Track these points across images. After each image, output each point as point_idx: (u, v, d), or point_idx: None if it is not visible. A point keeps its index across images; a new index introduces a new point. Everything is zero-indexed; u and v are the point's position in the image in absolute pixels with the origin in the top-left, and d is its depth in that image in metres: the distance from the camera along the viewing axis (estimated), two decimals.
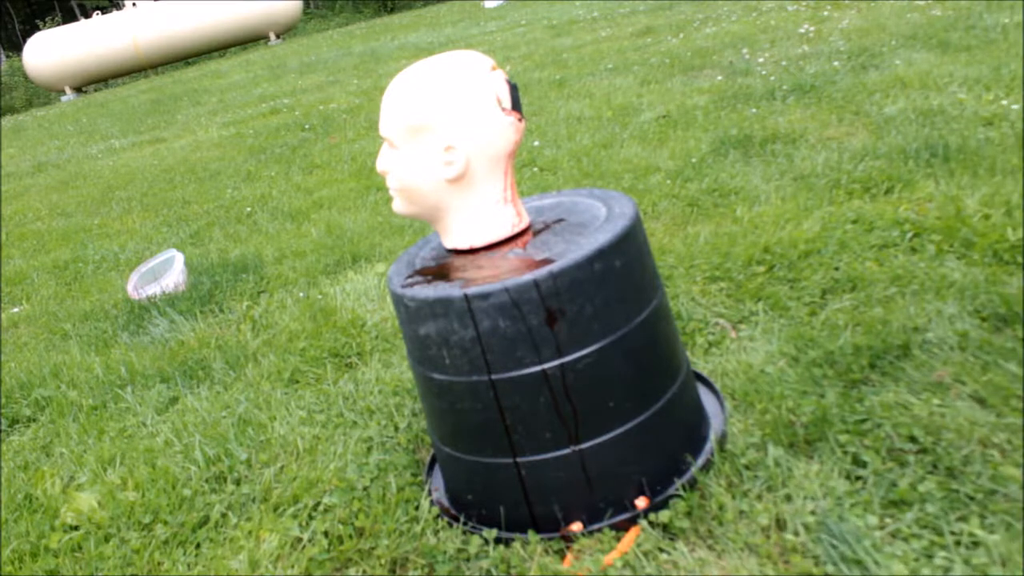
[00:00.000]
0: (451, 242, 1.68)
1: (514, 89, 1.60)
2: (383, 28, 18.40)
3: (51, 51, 19.39)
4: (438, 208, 1.63)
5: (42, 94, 22.82)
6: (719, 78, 5.38)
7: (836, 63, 4.91)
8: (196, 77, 16.08)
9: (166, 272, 3.71)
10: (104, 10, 24.33)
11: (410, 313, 1.57)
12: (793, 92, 4.49)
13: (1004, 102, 3.44)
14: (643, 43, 7.64)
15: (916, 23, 5.53)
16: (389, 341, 2.63)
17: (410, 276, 1.65)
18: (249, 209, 4.97)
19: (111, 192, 6.65)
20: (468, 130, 1.55)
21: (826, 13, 6.77)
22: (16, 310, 4.06)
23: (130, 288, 3.66)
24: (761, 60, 5.54)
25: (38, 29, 25.23)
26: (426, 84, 1.55)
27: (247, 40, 21.32)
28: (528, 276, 1.46)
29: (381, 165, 1.64)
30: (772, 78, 4.95)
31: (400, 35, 15.01)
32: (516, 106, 1.60)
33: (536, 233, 1.68)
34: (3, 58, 29.14)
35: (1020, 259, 2.19)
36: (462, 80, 1.54)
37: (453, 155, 1.55)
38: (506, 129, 1.58)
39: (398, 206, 1.67)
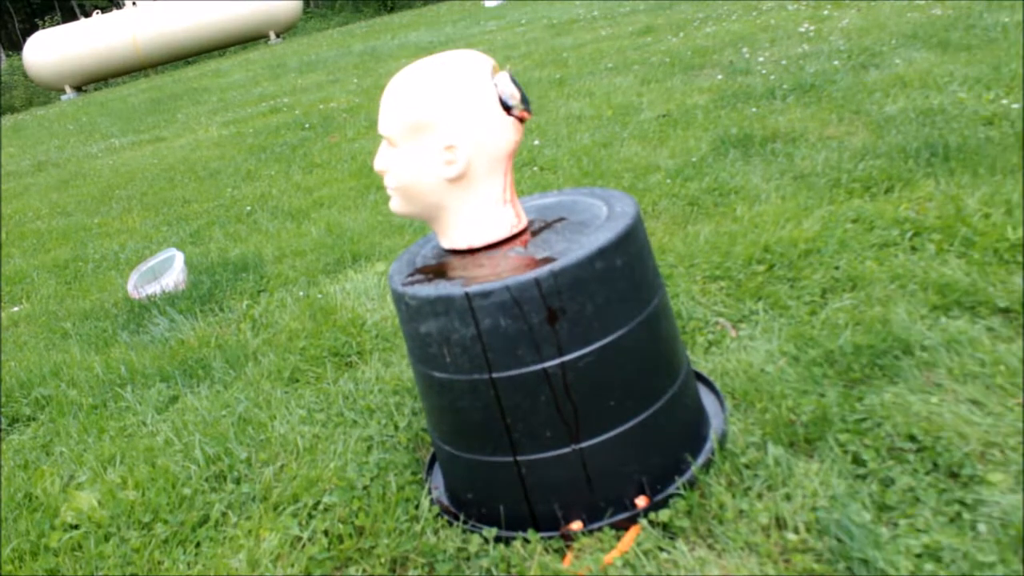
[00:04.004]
0: (449, 242, 1.68)
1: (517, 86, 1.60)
2: (383, 27, 18.39)
3: (51, 50, 19.38)
4: (437, 207, 1.63)
5: (42, 93, 22.81)
6: (719, 77, 5.37)
7: (836, 62, 4.91)
8: (196, 76, 16.07)
9: (166, 271, 3.71)
10: (104, 9, 24.32)
11: (411, 311, 1.57)
12: (793, 91, 4.49)
13: (1004, 101, 3.44)
14: (643, 42, 7.64)
15: (916, 22, 5.53)
16: (389, 340, 2.63)
17: (411, 274, 1.65)
18: (249, 208, 4.97)
19: (111, 191, 6.65)
20: (469, 129, 1.54)
21: (826, 12, 6.77)
22: (16, 309, 4.06)
23: (130, 287, 3.66)
24: (761, 59, 5.54)
25: (38, 28, 25.22)
26: (427, 82, 1.54)
27: (247, 39, 21.31)
28: (529, 274, 1.46)
29: (379, 164, 1.64)
30: (772, 77, 4.95)
31: (400, 34, 15.00)
32: (524, 100, 1.59)
33: (537, 232, 1.68)
34: (3, 57, 29.13)
35: (1020, 258, 2.19)
36: (464, 79, 1.54)
37: (454, 154, 1.55)
38: (507, 129, 1.58)
39: (396, 205, 1.66)
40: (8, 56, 29.07)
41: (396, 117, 1.56)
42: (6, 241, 5.71)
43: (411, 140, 1.56)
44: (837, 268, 2.39)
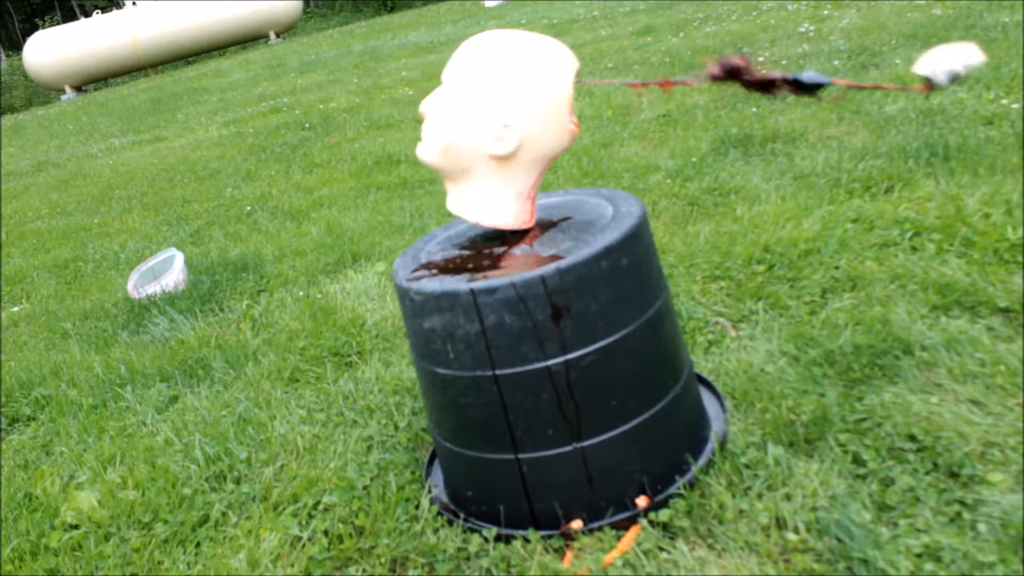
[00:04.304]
0: (459, 207, 1.66)
1: None
2: (383, 27, 18.40)
3: (51, 50, 19.37)
4: (465, 172, 1.62)
5: (42, 93, 22.80)
6: None
7: (836, 62, 4.91)
8: (196, 76, 16.08)
9: (166, 271, 3.71)
10: (104, 9, 24.31)
11: (415, 306, 1.57)
12: None
13: (1004, 101, 3.44)
14: (643, 42, 7.64)
15: (916, 22, 5.53)
16: (389, 340, 2.63)
17: (416, 270, 1.65)
18: (249, 208, 4.97)
19: (111, 191, 6.65)
20: (533, 119, 1.54)
21: (826, 12, 6.77)
22: (16, 309, 4.06)
23: (130, 287, 3.66)
24: (761, 59, 5.54)
25: (38, 28, 25.20)
26: (517, 57, 1.53)
27: (247, 39, 21.31)
28: (535, 272, 1.46)
29: (427, 105, 1.61)
30: None
31: (400, 34, 15.00)
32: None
33: (543, 230, 1.69)
34: (3, 57, 29.13)
35: (1020, 258, 2.19)
36: (550, 70, 1.54)
37: (507, 133, 1.55)
38: (564, 133, 1.58)
39: (427, 154, 1.63)
40: (8, 56, 29.06)
41: (470, 72, 1.55)
42: (6, 241, 5.71)
43: (473, 100, 1.55)
44: (837, 268, 2.39)
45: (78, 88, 20.56)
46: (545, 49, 1.55)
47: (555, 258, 1.50)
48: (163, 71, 21.60)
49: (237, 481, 2.03)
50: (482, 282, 1.48)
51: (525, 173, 1.61)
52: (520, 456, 1.57)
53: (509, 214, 1.64)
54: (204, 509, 1.94)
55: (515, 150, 1.56)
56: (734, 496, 1.59)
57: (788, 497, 1.57)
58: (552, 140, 1.58)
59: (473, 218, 1.65)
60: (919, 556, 1.37)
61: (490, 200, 1.63)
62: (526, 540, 1.60)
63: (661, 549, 1.52)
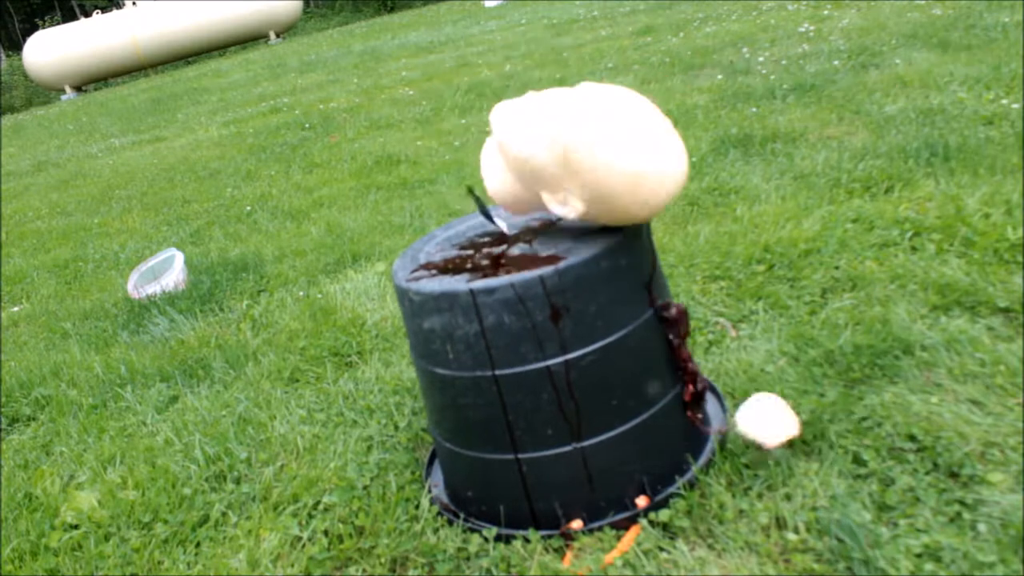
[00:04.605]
0: (491, 185, 1.64)
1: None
2: (383, 27, 18.39)
3: (51, 50, 19.38)
4: (517, 175, 1.56)
5: (42, 93, 22.81)
6: (719, 77, 5.37)
7: (836, 62, 4.91)
8: (196, 76, 16.07)
9: (166, 271, 3.71)
10: (104, 9, 24.30)
11: (415, 307, 1.57)
12: (793, 91, 4.49)
13: (1004, 101, 3.44)
14: (643, 42, 7.64)
15: (916, 22, 5.53)
16: (389, 340, 2.63)
17: (415, 270, 1.65)
18: (249, 208, 4.97)
19: (111, 191, 6.65)
20: (606, 208, 1.46)
21: (826, 12, 6.77)
22: (16, 309, 4.06)
23: (130, 287, 3.66)
24: (761, 59, 5.54)
25: (38, 28, 25.19)
26: (633, 158, 1.39)
27: (247, 39, 21.31)
28: (534, 272, 1.46)
29: (532, 101, 1.49)
30: (772, 77, 4.95)
31: (400, 34, 15.00)
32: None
33: (543, 230, 1.69)
34: (3, 57, 29.12)
35: (1020, 258, 2.19)
36: (652, 190, 1.41)
37: (569, 204, 1.49)
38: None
39: (502, 132, 1.54)
40: (8, 56, 29.06)
41: (584, 127, 1.39)
42: (6, 241, 5.71)
43: (558, 156, 1.43)
44: (837, 268, 2.39)
45: (78, 88, 20.56)
46: (662, 161, 1.40)
47: (554, 258, 1.50)
48: (163, 71, 21.59)
49: (237, 481, 2.03)
50: (481, 282, 1.48)
51: (566, 214, 1.57)
52: (520, 456, 1.57)
53: (526, 219, 1.66)
54: (204, 509, 1.94)
55: (566, 218, 1.52)
56: (734, 496, 1.59)
57: (788, 497, 1.57)
58: (607, 221, 1.53)
59: (496, 199, 1.67)
60: (919, 556, 1.37)
61: (520, 206, 1.64)
62: (526, 540, 1.60)
63: (661, 549, 1.52)
